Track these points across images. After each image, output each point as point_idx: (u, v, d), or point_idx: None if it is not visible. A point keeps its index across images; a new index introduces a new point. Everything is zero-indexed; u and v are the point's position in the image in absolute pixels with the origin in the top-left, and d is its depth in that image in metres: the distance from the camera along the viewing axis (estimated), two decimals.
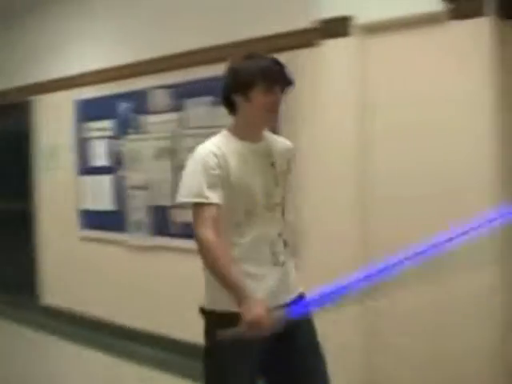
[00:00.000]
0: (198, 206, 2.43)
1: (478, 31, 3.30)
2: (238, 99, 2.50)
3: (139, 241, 5.32)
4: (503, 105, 3.33)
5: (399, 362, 3.65)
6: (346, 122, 3.79)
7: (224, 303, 2.42)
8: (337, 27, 3.79)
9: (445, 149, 3.43)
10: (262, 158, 2.55)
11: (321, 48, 3.89)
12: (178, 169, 4.93)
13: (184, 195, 2.46)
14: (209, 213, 2.40)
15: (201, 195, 2.41)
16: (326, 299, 2.37)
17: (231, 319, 2.31)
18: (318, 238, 3.92)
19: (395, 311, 3.61)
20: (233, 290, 2.34)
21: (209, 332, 2.53)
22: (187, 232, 4.85)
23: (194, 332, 4.72)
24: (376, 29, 3.64)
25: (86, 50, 5.74)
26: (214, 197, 2.41)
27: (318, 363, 2.58)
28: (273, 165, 2.57)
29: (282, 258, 2.56)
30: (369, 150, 3.72)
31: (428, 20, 3.44)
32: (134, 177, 5.36)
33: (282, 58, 4.05)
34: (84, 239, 5.91)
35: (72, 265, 6.07)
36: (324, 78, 3.91)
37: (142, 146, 5.28)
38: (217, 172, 2.43)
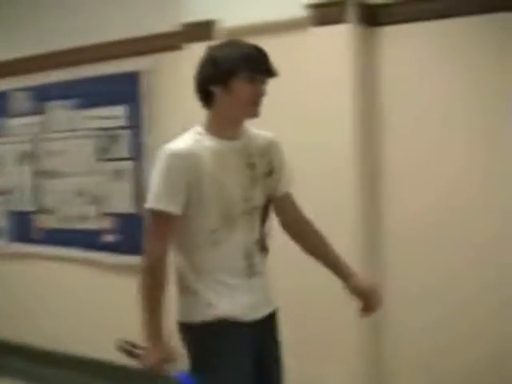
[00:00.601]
0: (154, 214, 2.20)
1: (341, 37, 3.43)
2: (217, 90, 2.23)
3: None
4: (363, 107, 3.49)
5: None
6: None
7: (203, 312, 2.25)
8: (201, 31, 3.80)
9: (310, 149, 3.51)
10: (239, 158, 2.29)
11: (185, 51, 3.90)
12: (38, 173, 4.81)
13: (147, 201, 2.22)
14: (165, 223, 2.20)
15: (159, 202, 2.18)
16: None
17: (215, 328, 2.21)
18: None
19: None
20: (148, 326, 2.20)
21: (194, 350, 2.30)
22: (50, 238, 4.77)
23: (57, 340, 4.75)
24: (241, 33, 3.66)
25: None
26: (174, 205, 2.18)
27: None
28: (251, 166, 2.31)
29: (258, 268, 2.34)
30: None
31: (292, 25, 3.52)
32: None
33: (147, 61, 4.23)
34: None
35: None
36: (188, 81, 3.90)
37: (1, 149, 5.08)
38: (183, 176, 2.17)
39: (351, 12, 3.41)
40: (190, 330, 2.29)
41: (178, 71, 3.96)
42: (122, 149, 4.41)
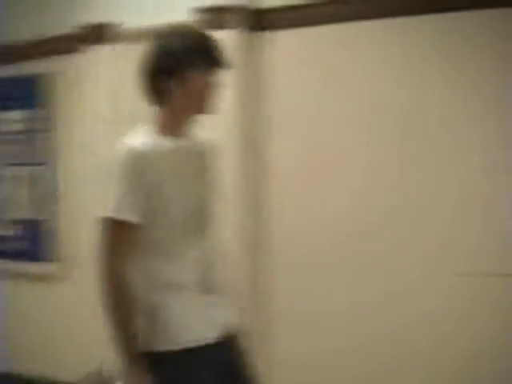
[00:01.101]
0: (114, 224, 1.93)
1: (228, 42, 3.45)
2: (169, 84, 2.00)
3: None
4: (249, 114, 3.56)
5: None
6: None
7: (168, 339, 1.98)
8: (99, 33, 3.83)
9: None
10: (192, 159, 2.11)
11: (84, 54, 3.89)
12: None
13: (105, 208, 1.95)
14: (127, 234, 1.94)
15: (120, 210, 1.92)
16: None
17: (182, 358, 1.97)
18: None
19: None
20: (126, 349, 1.92)
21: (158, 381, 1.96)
22: None
23: None
24: (137, 36, 3.70)
25: None
26: (136, 214, 1.93)
27: None
28: (202, 168, 2.14)
29: (217, 281, 2.16)
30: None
31: None
32: None
33: (45, 63, 4.18)
34: None
35: None
36: (87, 83, 3.93)
37: None
38: (145, 179, 1.93)
39: (239, 17, 3.51)
40: (151, 360, 1.98)
41: (77, 73, 3.98)
42: (23, 153, 4.35)
